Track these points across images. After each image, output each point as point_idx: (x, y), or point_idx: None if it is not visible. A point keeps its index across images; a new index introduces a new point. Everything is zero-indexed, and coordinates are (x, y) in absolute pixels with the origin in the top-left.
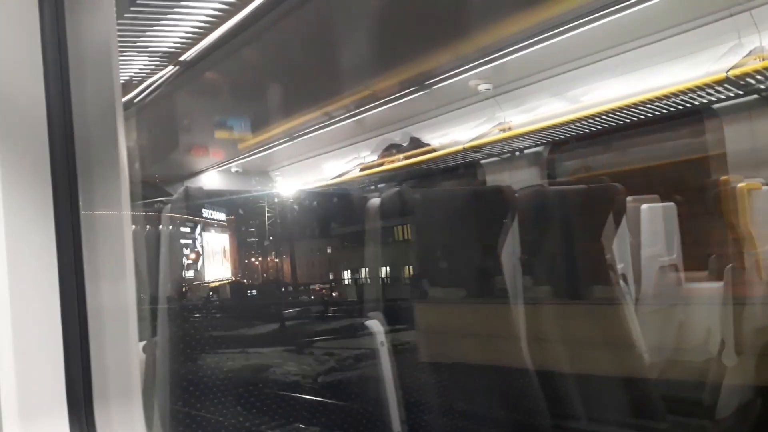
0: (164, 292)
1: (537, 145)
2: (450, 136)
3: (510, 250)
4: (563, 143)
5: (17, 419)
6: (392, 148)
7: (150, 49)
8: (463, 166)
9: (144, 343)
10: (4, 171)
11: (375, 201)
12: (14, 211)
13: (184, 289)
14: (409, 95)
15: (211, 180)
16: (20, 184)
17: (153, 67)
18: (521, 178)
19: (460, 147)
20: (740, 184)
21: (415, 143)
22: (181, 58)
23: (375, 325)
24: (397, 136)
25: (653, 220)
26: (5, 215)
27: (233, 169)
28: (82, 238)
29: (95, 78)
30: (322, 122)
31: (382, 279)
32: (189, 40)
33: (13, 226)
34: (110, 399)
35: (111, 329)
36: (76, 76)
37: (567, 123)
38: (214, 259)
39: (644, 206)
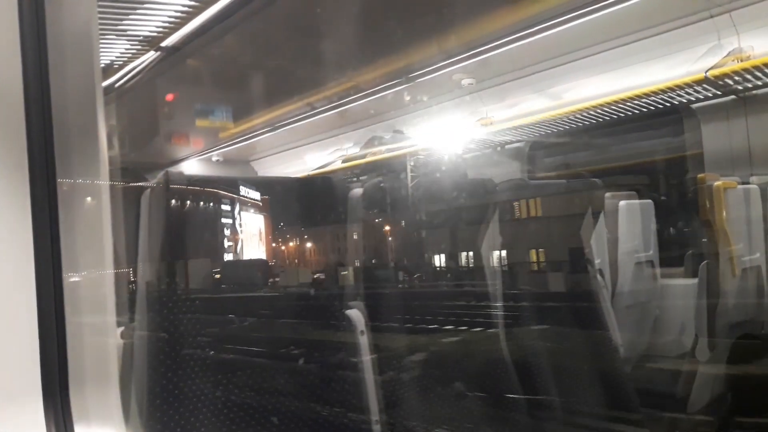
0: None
1: (518, 141)
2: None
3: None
4: (544, 139)
5: None
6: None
7: (131, 33)
8: None
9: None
10: None
11: None
12: None
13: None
14: (392, 87)
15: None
16: None
17: (134, 51)
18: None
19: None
20: (716, 183)
21: (399, 136)
22: (163, 44)
23: None
24: (380, 129)
25: (631, 216)
26: None
27: (214, 158)
28: (59, 221)
29: (75, 61)
30: (305, 113)
31: None
32: (171, 25)
33: None
34: (86, 384)
35: (88, 314)
36: (55, 60)
37: (548, 119)
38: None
39: (622, 203)
